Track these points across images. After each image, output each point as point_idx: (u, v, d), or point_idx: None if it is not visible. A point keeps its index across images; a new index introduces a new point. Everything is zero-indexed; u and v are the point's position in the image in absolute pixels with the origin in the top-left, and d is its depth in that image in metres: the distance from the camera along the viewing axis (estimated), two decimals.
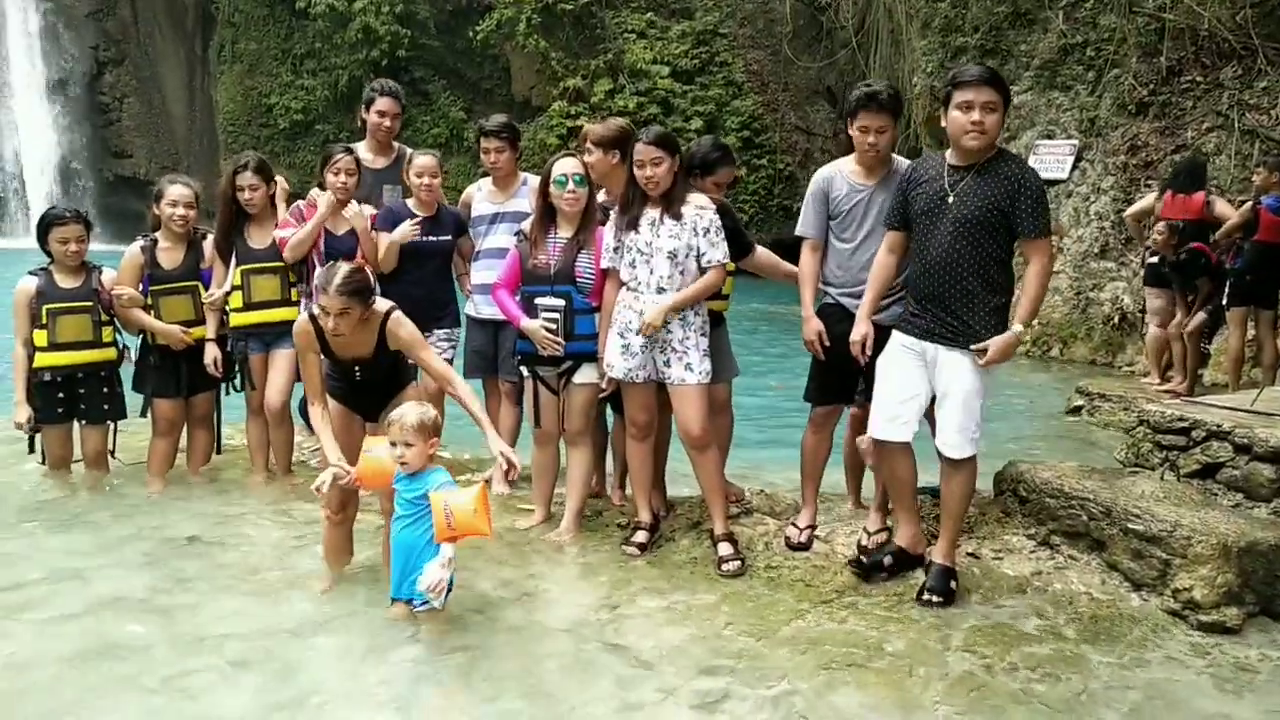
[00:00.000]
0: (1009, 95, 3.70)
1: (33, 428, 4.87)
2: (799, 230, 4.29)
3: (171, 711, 3.06)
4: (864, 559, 4.06)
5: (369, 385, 3.93)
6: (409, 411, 3.58)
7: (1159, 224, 8.17)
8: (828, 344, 4.16)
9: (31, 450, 5.01)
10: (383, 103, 5.34)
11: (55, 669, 3.28)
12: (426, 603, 3.56)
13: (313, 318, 3.79)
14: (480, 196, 5.11)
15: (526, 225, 4.53)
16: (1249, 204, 7.63)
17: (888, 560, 4.02)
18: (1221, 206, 8.02)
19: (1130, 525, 3.94)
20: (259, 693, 3.18)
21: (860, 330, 3.99)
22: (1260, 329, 7.72)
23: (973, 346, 3.71)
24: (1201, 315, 7.92)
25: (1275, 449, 4.26)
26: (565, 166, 4.34)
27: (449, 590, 3.56)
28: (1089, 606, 3.85)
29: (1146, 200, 8.85)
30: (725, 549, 4.21)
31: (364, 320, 3.75)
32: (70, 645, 3.43)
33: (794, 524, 4.42)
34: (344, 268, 3.72)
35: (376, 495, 4.05)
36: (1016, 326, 3.72)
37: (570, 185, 4.31)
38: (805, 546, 4.29)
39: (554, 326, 4.32)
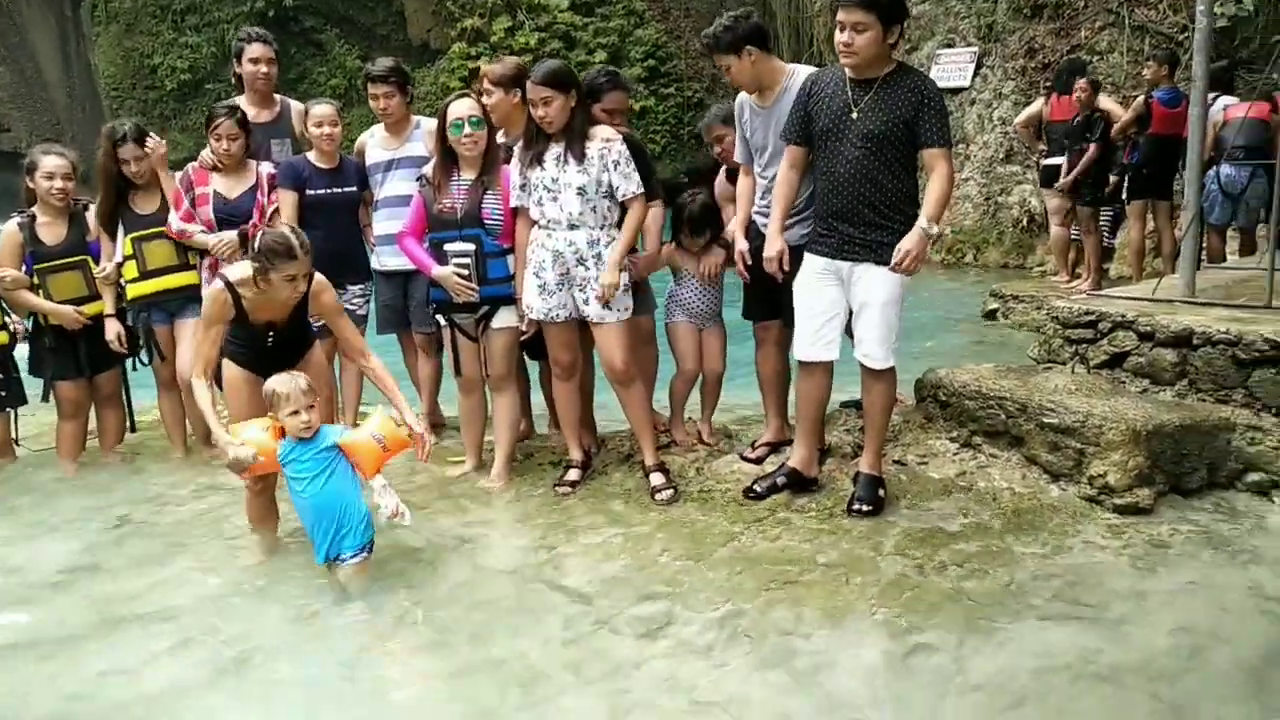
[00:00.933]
0: (891, 12, 3.62)
1: None
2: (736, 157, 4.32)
3: (110, 691, 3.00)
4: (756, 487, 4.10)
5: (279, 349, 3.81)
6: (285, 381, 3.54)
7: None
8: (749, 263, 4.18)
9: None
10: (254, 49, 5.06)
11: None
12: (362, 549, 3.55)
13: (229, 285, 3.64)
14: (373, 144, 4.93)
15: (428, 169, 4.40)
16: (1141, 98, 7.81)
17: (781, 481, 4.08)
18: (1106, 102, 8.19)
19: (1045, 419, 4.07)
20: (202, 663, 3.14)
21: (774, 247, 3.99)
22: (1159, 220, 7.97)
23: (890, 265, 3.70)
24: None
25: (1176, 334, 4.42)
26: (459, 109, 4.22)
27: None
28: (1011, 501, 3.98)
29: (1034, 106, 9.06)
30: (657, 479, 4.24)
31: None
32: None
33: (752, 443, 4.49)
34: (293, 231, 3.61)
35: None
36: (922, 221, 3.67)
37: (466, 128, 4.19)
38: (758, 463, 4.33)
39: (466, 272, 4.23)
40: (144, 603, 3.53)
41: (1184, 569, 3.47)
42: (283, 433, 3.57)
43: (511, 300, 4.34)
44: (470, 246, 4.24)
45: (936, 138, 3.72)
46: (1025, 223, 10.90)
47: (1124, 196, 8.04)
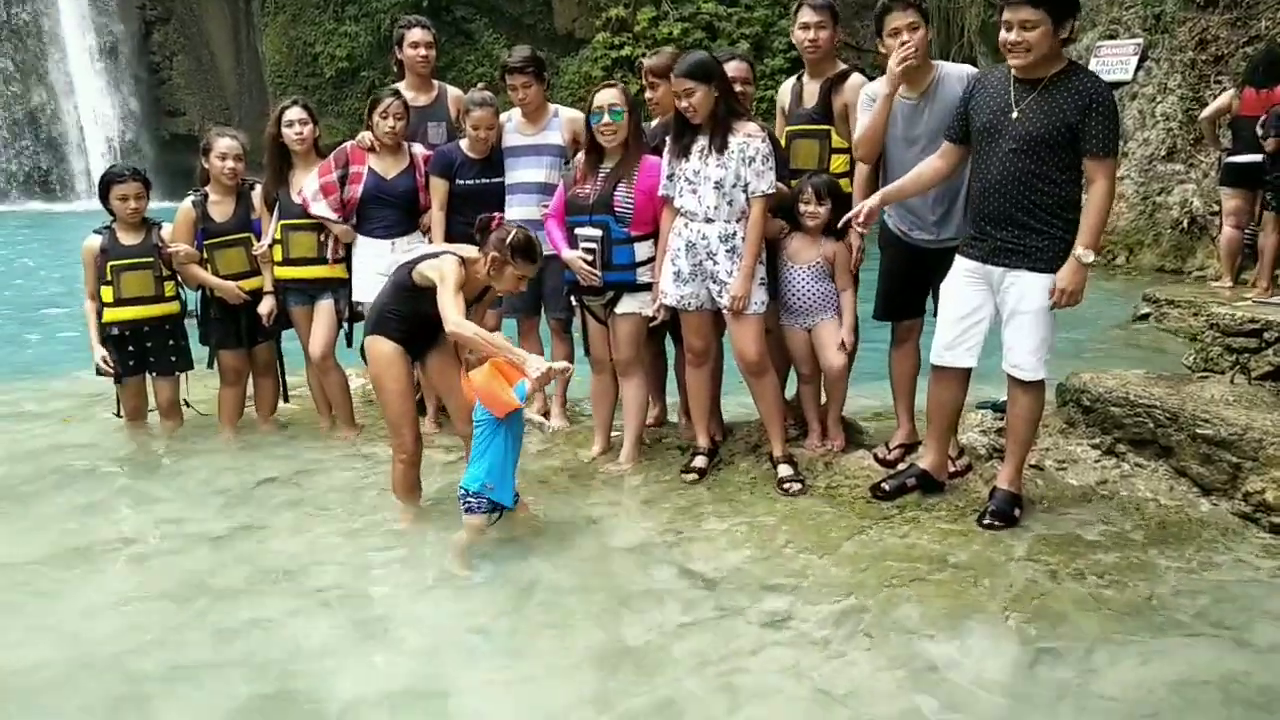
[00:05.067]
0: (1062, 6, 3.45)
1: (113, 370, 5.02)
2: (854, 142, 4.19)
3: (256, 643, 3.20)
4: (885, 485, 4.03)
5: (436, 329, 3.96)
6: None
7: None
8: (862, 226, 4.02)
9: (119, 413, 5.18)
10: (414, 34, 5.27)
11: (150, 605, 3.44)
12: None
13: (462, 260, 3.87)
14: (510, 129, 5.00)
15: (580, 158, 4.50)
16: None
17: (910, 482, 4.00)
18: None
19: (1199, 430, 3.87)
20: (339, 625, 3.31)
21: (868, 204, 3.90)
22: None
23: (1050, 305, 3.59)
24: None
25: None
26: (602, 98, 4.30)
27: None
28: (1156, 512, 3.81)
29: (1222, 99, 8.44)
30: (785, 470, 4.23)
31: None
32: (160, 583, 3.60)
33: (886, 443, 4.42)
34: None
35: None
36: (1078, 250, 3.53)
37: (606, 117, 4.26)
38: (893, 464, 4.27)
39: (591, 257, 4.32)
40: (291, 562, 3.75)
41: None
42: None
43: (637, 287, 4.39)
44: (598, 232, 4.32)
45: (1100, 146, 3.50)
46: (1186, 224, 10.31)
47: None
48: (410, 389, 4.05)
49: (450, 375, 4.11)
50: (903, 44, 3.85)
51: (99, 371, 5.02)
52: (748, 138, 4.07)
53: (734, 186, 4.09)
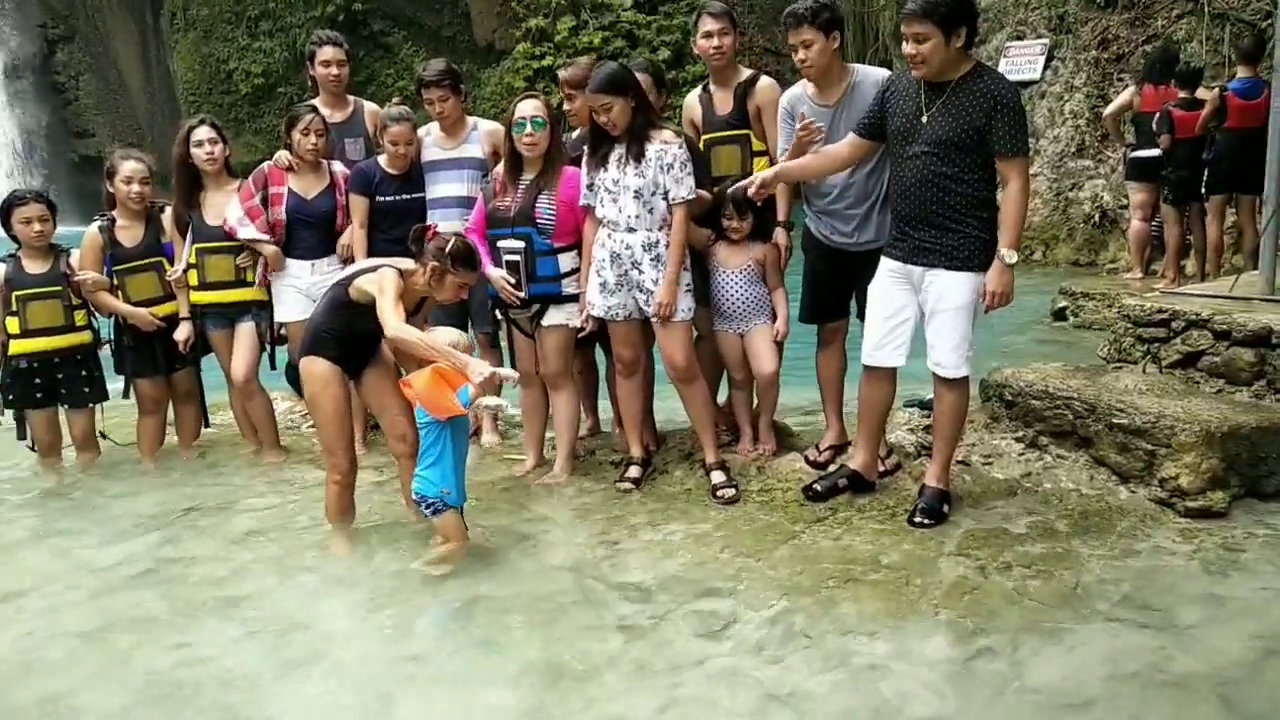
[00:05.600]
0: (952, 17, 3.51)
1: (9, 408, 4.84)
2: (779, 153, 4.24)
3: (185, 674, 3.10)
4: (817, 486, 4.07)
5: (374, 342, 3.96)
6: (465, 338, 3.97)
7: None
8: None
9: (22, 437, 4.99)
10: (325, 52, 5.18)
11: (67, 645, 3.32)
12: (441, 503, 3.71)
13: (401, 273, 3.82)
14: (429, 143, 4.94)
15: (499, 170, 4.46)
16: (1216, 90, 7.57)
17: (842, 483, 4.05)
18: (1201, 93, 7.92)
19: (1115, 420, 3.98)
20: (271, 651, 3.23)
21: (761, 176, 3.97)
22: (1241, 215, 7.73)
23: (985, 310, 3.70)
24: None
25: (1254, 333, 4.30)
26: (523, 109, 4.27)
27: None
28: (1079, 502, 3.91)
29: (1123, 96, 8.77)
30: (718, 477, 4.25)
31: None
32: (80, 622, 3.47)
33: (817, 445, 4.45)
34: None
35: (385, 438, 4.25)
36: (1002, 251, 3.63)
37: (527, 128, 4.24)
38: (824, 466, 4.31)
39: (514, 277, 4.30)
40: (218, 592, 3.65)
41: (1259, 575, 3.37)
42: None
43: (563, 299, 4.38)
44: (520, 244, 4.29)
45: (1009, 145, 3.59)
46: (1097, 218, 10.64)
47: (1203, 191, 7.80)
48: (347, 410, 3.97)
49: (385, 393, 4.04)
50: (800, 61, 3.98)
51: None
52: (664, 145, 4.08)
53: (653, 194, 4.09)
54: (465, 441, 3.86)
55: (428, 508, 3.72)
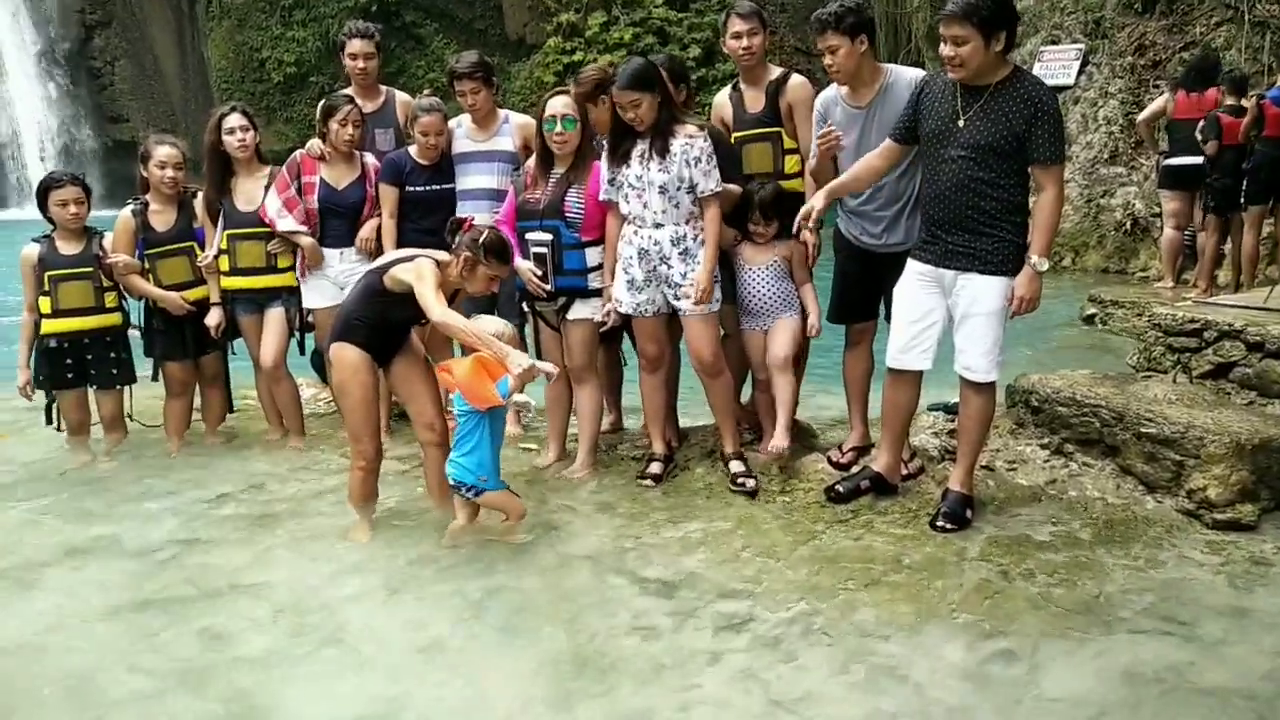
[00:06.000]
0: (993, 20, 3.45)
1: (39, 388, 4.91)
2: (808, 158, 4.23)
3: (207, 659, 3.14)
4: (839, 488, 4.05)
5: (405, 332, 4.04)
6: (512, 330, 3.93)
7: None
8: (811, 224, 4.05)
9: (49, 421, 5.05)
10: (353, 45, 5.21)
11: (89, 626, 3.36)
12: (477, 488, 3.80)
13: (438, 264, 3.86)
14: (460, 134, 4.96)
15: (531, 164, 4.47)
16: (1254, 98, 7.47)
17: (864, 485, 4.03)
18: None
19: (1143, 429, 3.94)
20: (291, 635, 3.26)
21: (812, 205, 3.96)
22: (1277, 226, 7.61)
23: (1011, 315, 3.67)
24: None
25: None
26: (555, 107, 4.26)
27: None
28: (1104, 511, 3.87)
29: (1157, 103, 8.66)
30: (737, 466, 4.25)
31: None
32: (102, 602, 3.51)
33: (840, 446, 4.44)
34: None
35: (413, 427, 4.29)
36: (1033, 258, 3.60)
37: (558, 126, 4.24)
38: (846, 467, 4.29)
39: (541, 269, 4.30)
40: (242, 575, 3.69)
41: None
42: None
43: (588, 293, 4.38)
44: (548, 237, 4.30)
45: (1047, 153, 3.55)
46: (1129, 226, 10.53)
47: (1242, 200, 7.70)
48: (375, 397, 4.00)
49: (415, 381, 4.07)
50: (827, 66, 3.97)
51: (20, 391, 4.89)
52: (689, 139, 4.07)
53: (679, 189, 4.08)
54: (502, 431, 3.91)
55: (468, 490, 3.79)
